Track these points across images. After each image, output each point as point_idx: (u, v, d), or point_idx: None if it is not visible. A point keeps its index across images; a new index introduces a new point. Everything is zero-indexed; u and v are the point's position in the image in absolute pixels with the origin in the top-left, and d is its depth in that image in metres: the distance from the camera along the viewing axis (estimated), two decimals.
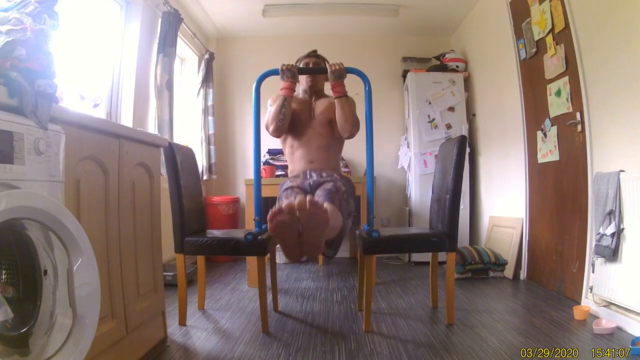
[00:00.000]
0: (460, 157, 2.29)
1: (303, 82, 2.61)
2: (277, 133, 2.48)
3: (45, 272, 1.14)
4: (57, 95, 1.25)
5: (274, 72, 2.42)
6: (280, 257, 4.10)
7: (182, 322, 2.36)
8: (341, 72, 2.39)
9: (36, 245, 1.14)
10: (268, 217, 1.63)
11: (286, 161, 3.56)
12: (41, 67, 1.18)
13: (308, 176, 2.42)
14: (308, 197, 1.60)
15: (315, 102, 2.59)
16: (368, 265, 2.28)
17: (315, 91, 2.62)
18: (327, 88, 2.55)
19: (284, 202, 1.72)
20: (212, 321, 2.45)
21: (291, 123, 2.52)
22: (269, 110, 2.51)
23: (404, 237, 2.43)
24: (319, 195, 2.06)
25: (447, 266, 2.34)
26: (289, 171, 2.62)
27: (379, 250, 2.36)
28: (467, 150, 3.83)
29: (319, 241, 1.69)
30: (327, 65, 2.42)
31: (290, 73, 2.40)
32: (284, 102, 2.42)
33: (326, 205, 1.72)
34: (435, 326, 2.31)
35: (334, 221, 1.81)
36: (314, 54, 2.65)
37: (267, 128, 2.49)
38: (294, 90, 2.46)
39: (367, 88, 2.35)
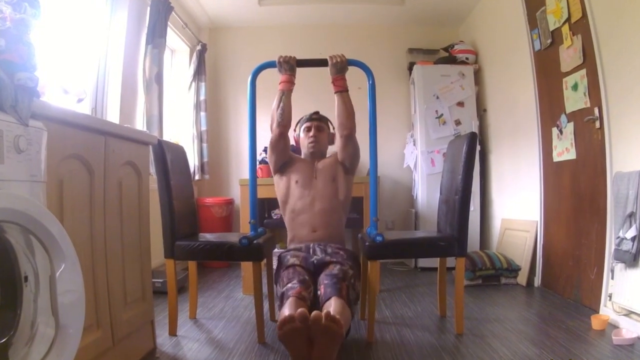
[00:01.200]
0: (470, 156, 2.29)
1: (304, 145, 2.63)
2: (280, 130, 2.45)
3: (26, 278, 1.14)
4: (38, 89, 1.25)
5: (270, 65, 2.42)
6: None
7: (173, 332, 2.36)
8: (343, 65, 2.39)
9: (16, 250, 1.14)
10: (277, 324, 1.67)
11: None
12: (21, 59, 1.18)
13: (311, 252, 2.34)
14: (324, 313, 1.63)
15: (318, 163, 2.59)
16: (371, 271, 2.28)
17: (318, 156, 2.63)
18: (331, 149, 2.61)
19: (287, 310, 1.75)
20: (205, 331, 2.45)
21: (292, 185, 2.52)
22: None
23: (409, 241, 2.43)
24: (325, 284, 2.04)
25: (456, 272, 2.34)
26: (288, 238, 2.57)
27: (383, 255, 2.37)
28: (478, 148, 3.84)
29: (333, 353, 1.69)
30: (328, 58, 2.42)
31: (289, 65, 2.41)
32: (282, 97, 2.42)
33: (337, 312, 1.73)
34: (443, 336, 2.31)
35: (346, 321, 1.81)
36: (316, 117, 2.66)
37: (271, 130, 2.49)
38: (293, 84, 2.46)
39: (370, 82, 2.35)
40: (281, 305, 1.95)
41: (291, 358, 1.74)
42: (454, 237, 2.31)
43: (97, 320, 1.60)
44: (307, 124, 2.64)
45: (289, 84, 2.43)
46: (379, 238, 2.21)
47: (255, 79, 2.41)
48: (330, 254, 2.28)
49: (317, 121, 2.64)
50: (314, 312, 1.63)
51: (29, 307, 1.12)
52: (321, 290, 2.02)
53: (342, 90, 2.42)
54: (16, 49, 1.16)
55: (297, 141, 2.74)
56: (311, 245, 2.38)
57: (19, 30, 1.19)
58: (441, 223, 2.58)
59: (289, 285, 2.02)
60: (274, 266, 2.38)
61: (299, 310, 1.64)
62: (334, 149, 2.62)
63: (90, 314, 1.54)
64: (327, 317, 1.62)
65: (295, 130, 2.74)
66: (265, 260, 2.55)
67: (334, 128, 2.69)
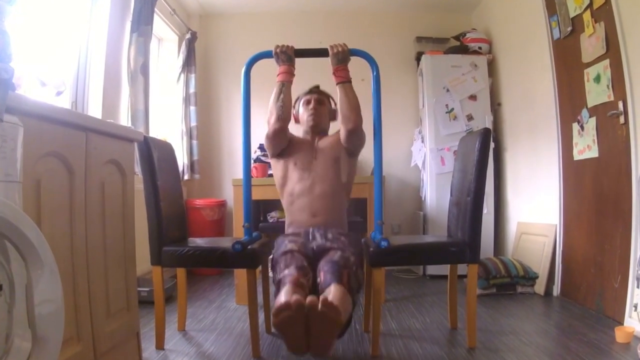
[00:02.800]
0: (484, 154, 2.29)
1: (304, 121, 2.64)
2: (280, 124, 2.44)
3: (0, 287, 1.14)
4: (14, 81, 1.25)
5: (266, 55, 2.42)
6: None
7: (160, 345, 2.36)
8: (344, 55, 2.40)
9: None
10: (272, 311, 1.68)
11: None
12: None
13: (310, 237, 2.36)
14: (321, 298, 1.65)
15: (318, 142, 2.59)
16: (376, 279, 2.28)
17: (319, 131, 2.63)
18: (332, 128, 2.58)
19: (284, 297, 1.76)
20: (195, 344, 2.45)
21: (290, 168, 2.52)
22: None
23: (417, 246, 2.44)
24: (324, 270, 2.04)
25: (468, 280, 2.34)
26: (286, 223, 2.57)
27: (388, 262, 2.37)
28: (492, 145, 3.84)
29: (330, 341, 1.71)
30: (329, 48, 2.42)
31: (286, 56, 2.41)
32: (282, 89, 2.41)
33: (336, 299, 1.74)
34: (454, 350, 2.31)
35: (345, 309, 1.82)
36: (316, 90, 2.67)
37: (269, 124, 2.48)
38: (293, 75, 2.46)
39: (374, 73, 2.35)
40: (277, 293, 1.95)
41: (287, 347, 1.76)
42: (466, 242, 2.31)
43: (78, 332, 1.59)
44: (307, 97, 2.65)
45: (289, 74, 2.43)
46: (383, 243, 2.21)
47: (250, 70, 2.40)
48: (331, 240, 2.30)
49: (317, 94, 2.65)
50: (310, 297, 1.65)
51: (3, 318, 1.12)
52: (321, 277, 2.03)
53: (344, 81, 2.42)
54: None
55: (296, 118, 2.72)
56: (310, 230, 2.40)
57: None
58: (452, 227, 2.58)
59: (286, 271, 2.03)
60: (272, 254, 2.37)
61: (295, 297, 1.66)
62: (336, 126, 2.60)
63: (70, 325, 1.53)
64: (324, 303, 1.63)
65: (294, 107, 2.72)
66: (260, 267, 2.55)
67: (335, 104, 2.68)
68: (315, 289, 2.04)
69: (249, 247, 2.30)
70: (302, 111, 2.66)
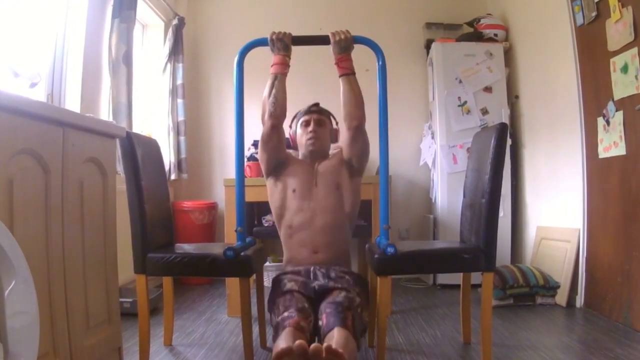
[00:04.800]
0: (500, 151, 2.27)
1: (302, 144, 2.60)
2: (273, 122, 2.42)
3: None
4: None
5: (261, 42, 2.42)
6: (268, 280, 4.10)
7: None
8: (348, 42, 2.38)
9: None
10: (273, 356, 1.67)
11: None
12: None
13: (312, 276, 2.32)
14: (325, 346, 1.63)
15: (318, 165, 2.55)
16: (381, 289, 2.26)
17: (319, 155, 2.59)
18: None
19: (284, 342, 1.76)
20: None
21: (289, 196, 2.49)
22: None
23: (426, 253, 2.43)
24: (327, 312, 2.03)
25: (482, 290, 2.33)
26: (284, 258, 2.53)
27: (395, 270, 2.36)
28: (509, 141, 3.84)
29: None
30: (330, 35, 2.39)
31: (282, 44, 2.39)
32: (274, 82, 2.40)
33: (340, 345, 1.74)
34: None
35: (350, 355, 1.82)
36: (315, 109, 2.64)
37: (262, 122, 2.47)
38: (288, 66, 2.44)
39: (380, 63, 2.34)
40: (276, 337, 1.95)
41: None
42: (480, 248, 2.30)
43: (54, 347, 1.59)
44: (305, 117, 2.60)
45: (283, 66, 2.41)
46: (390, 249, 2.19)
47: (243, 60, 2.39)
48: (334, 279, 2.27)
49: (317, 114, 2.61)
50: (314, 345, 1.64)
51: None
52: (323, 321, 2.02)
53: (348, 72, 2.40)
54: None
55: (293, 140, 2.71)
56: (312, 268, 2.36)
57: None
58: (465, 231, 2.57)
59: (286, 314, 2.02)
60: (267, 284, 2.36)
61: (297, 342, 1.65)
62: (338, 145, 2.60)
63: (46, 339, 1.53)
64: (329, 351, 1.62)
65: (291, 127, 2.73)
66: (254, 276, 2.55)
67: (337, 123, 2.67)
68: (316, 333, 2.03)
69: (242, 253, 2.29)
70: (301, 133, 2.61)
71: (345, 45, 2.38)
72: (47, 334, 1.55)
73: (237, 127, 2.39)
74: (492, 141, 2.29)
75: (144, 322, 2.34)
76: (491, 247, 2.29)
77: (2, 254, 1.16)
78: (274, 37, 2.39)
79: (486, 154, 2.33)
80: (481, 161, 2.41)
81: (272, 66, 2.42)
